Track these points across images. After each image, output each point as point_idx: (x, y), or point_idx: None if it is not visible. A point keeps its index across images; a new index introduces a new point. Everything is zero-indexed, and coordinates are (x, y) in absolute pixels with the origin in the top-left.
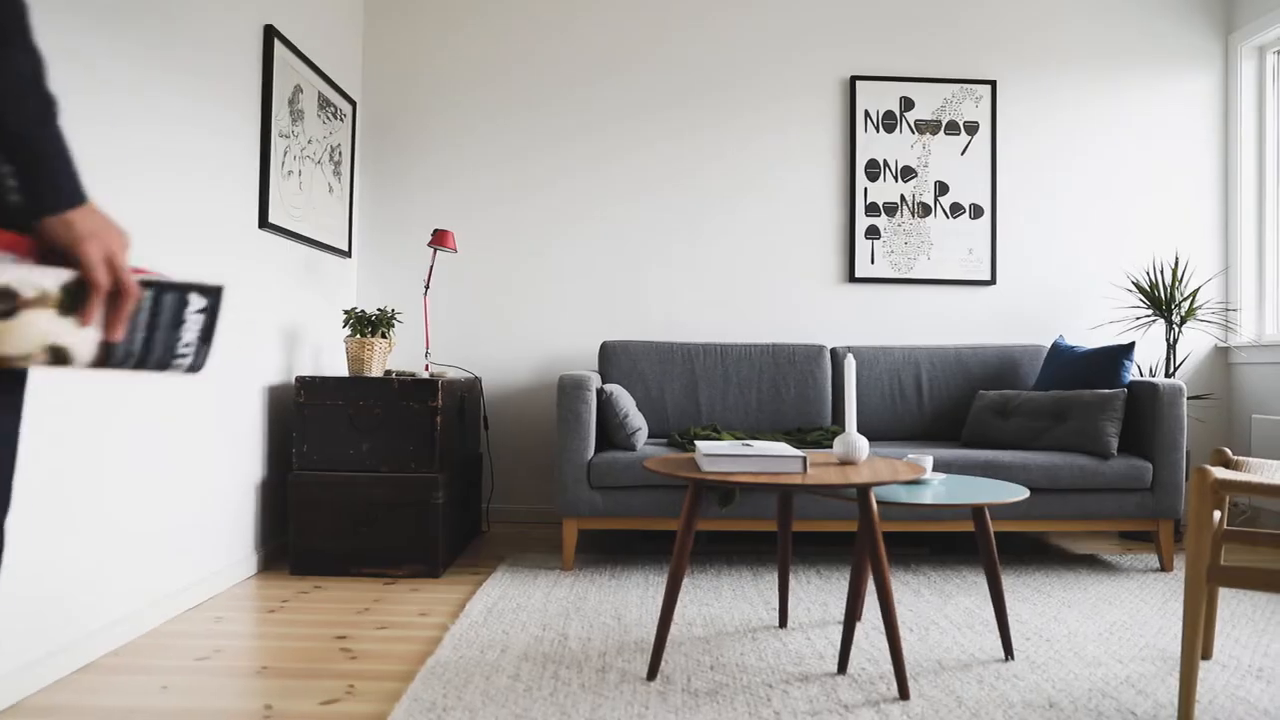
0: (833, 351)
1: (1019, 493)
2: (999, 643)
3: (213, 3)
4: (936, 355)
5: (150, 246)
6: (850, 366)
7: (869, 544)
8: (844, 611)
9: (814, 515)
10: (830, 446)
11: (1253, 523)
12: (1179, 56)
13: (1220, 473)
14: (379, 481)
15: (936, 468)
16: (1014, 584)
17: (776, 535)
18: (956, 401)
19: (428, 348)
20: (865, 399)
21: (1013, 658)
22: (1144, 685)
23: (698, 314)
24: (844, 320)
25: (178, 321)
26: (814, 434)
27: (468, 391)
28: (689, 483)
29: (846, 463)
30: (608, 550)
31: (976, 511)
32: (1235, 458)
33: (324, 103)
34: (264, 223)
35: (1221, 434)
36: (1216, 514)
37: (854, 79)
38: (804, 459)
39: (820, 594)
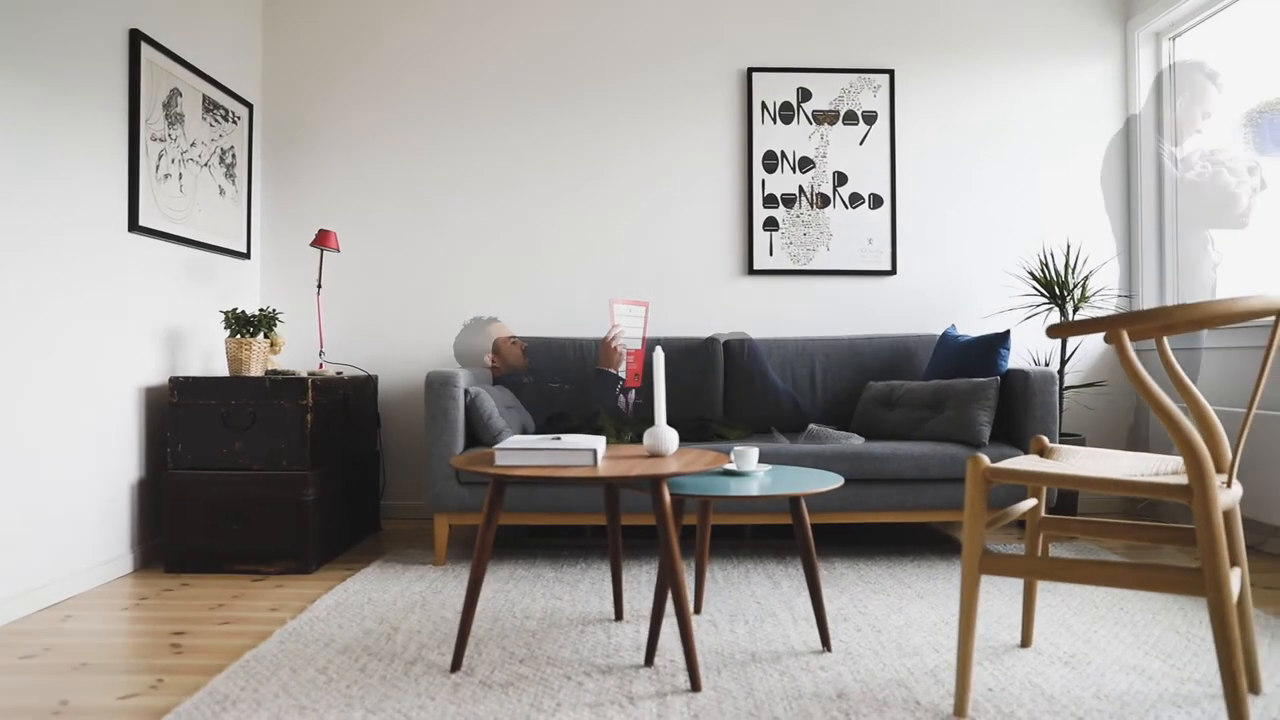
0: (725, 344)
1: (834, 481)
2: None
3: (69, 7)
4: (831, 346)
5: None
6: (659, 358)
7: (661, 534)
8: (671, 605)
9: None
10: (731, 441)
11: (1152, 511)
12: (1078, 43)
13: (1023, 461)
14: (251, 479)
15: (805, 460)
16: (879, 575)
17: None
18: (850, 392)
19: (321, 347)
20: (762, 391)
21: (830, 649)
22: (946, 676)
23: (596, 309)
24: (744, 313)
25: None
26: (715, 426)
27: (355, 390)
28: (489, 478)
29: (655, 455)
30: (496, 546)
31: (793, 501)
32: (1050, 445)
33: (211, 105)
34: (134, 226)
35: (1124, 421)
36: (1032, 501)
37: (751, 70)
38: (594, 452)
39: None
